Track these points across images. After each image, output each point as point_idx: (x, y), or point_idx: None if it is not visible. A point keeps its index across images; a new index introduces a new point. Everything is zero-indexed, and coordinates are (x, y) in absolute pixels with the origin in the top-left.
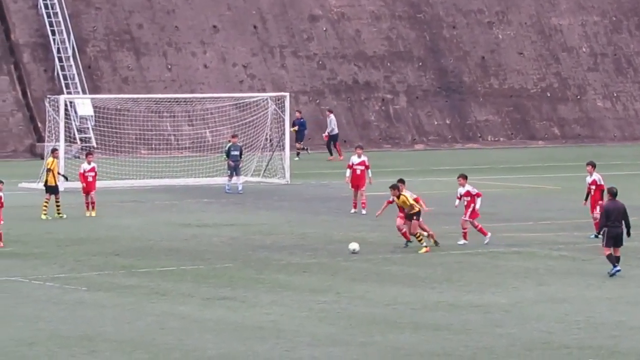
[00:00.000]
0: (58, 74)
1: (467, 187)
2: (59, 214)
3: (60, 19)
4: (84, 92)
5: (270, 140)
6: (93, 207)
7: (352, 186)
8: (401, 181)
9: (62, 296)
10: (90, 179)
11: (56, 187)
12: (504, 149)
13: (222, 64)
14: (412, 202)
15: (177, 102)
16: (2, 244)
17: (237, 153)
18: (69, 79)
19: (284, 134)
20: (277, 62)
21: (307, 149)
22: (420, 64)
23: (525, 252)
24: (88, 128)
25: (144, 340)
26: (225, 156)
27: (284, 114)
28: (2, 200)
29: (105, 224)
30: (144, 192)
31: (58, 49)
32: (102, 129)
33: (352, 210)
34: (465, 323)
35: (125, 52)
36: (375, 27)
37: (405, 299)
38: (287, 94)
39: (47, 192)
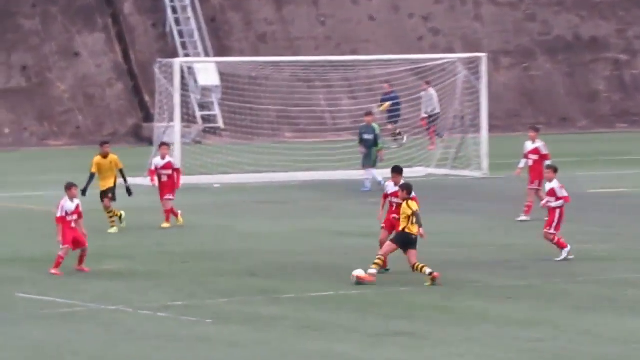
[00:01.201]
0: (171, 29)
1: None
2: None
3: None
4: (206, 54)
5: (462, 118)
6: (168, 218)
7: (531, 180)
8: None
9: (178, 331)
10: (165, 178)
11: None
12: None
13: (393, 14)
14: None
15: (333, 67)
16: (86, 268)
17: (370, 137)
18: (186, 36)
19: (479, 109)
20: (468, 12)
21: (402, 135)
22: None
23: None
24: (212, 103)
25: None
26: (358, 141)
27: (480, 83)
28: (80, 209)
29: (236, 232)
30: (289, 190)
31: None
32: (231, 103)
33: (522, 218)
34: None
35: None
36: None
37: None
38: (484, 55)
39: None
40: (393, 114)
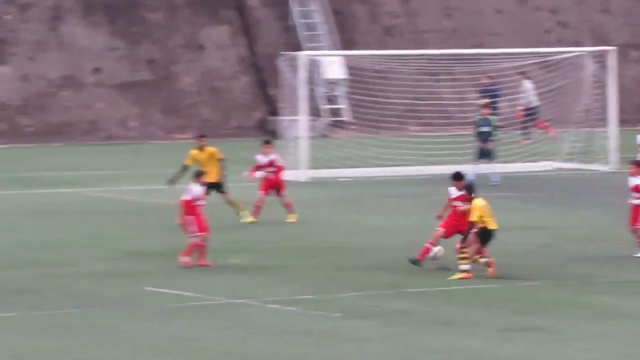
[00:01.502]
0: (297, 22)
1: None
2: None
3: None
4: (332, 47)
5: (589, 112)
6: (257, 212)
7: None
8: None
9: (307, 325)
10: (269, 175)
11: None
12: None
13: (520, 7)
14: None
15: (459, 60)
16: (210, 263)
17: (487, 129)
18: (311, 29)
19: (607, 103)
20: (597, 5)
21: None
22: None
23: None
24: (338, 96)
25: None
26: (474, 134)
27: (608, 76)
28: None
29: (362, 226)
30: (417, 183)
31: None
32: (357, 97)
33: None
34: None
35: None
36: None
37: None
38: (612, 49)
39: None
40: (492, 107)
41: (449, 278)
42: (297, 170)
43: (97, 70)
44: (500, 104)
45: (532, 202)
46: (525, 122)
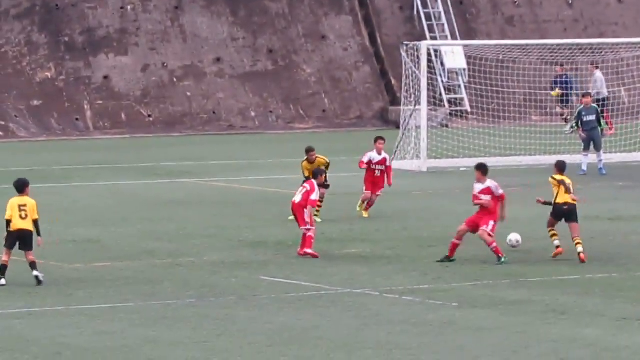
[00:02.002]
0: (419, 12)
1: None
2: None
3: None
4: (453, 37)
5: None
6: (368, 207)
7: None
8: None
9: (424, 315)
10: (378, 173)
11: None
12: None
13: None
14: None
15: (580, 49)
16: (315, 253)
17: (592, 118)
18: (433, 19)
19: None
20: None
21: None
22: None
23: None
24: (459, 86)
25: None
26: (575, 124)
27: None
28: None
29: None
30: (537, 173)
31: None
32: (478, 87)
33: None
34: None
35: None
36: None
37: None
38: None
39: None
40: (564, 97)
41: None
42: (417, 160)
43: (217, 60)
44: (572, 95)
45: None
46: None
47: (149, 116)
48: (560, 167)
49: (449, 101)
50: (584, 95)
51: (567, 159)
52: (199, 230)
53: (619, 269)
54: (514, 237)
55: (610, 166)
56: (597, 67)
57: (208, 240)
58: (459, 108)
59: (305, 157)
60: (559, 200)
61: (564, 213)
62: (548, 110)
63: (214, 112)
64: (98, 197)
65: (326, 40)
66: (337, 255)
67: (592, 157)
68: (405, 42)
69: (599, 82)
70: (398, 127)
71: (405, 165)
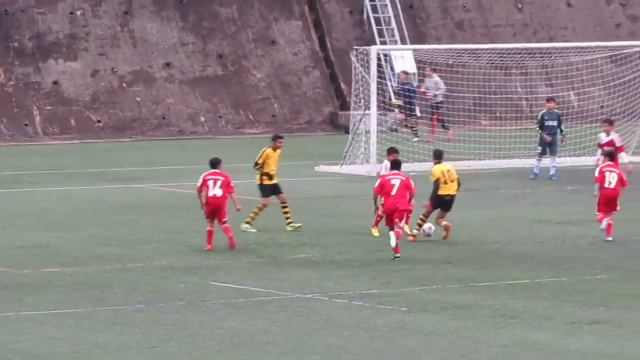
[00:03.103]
0: (369, 16)
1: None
2: (289, 223)
3: None
4: (403, 41)
5: None
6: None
7: None
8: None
9: (374, 319)
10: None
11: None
12: None
13: (591, 1)
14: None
15: (530, 54)
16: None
17: (553, 123)
18: (383, 23)
19: None
20: None
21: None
22: None
23: None
24: (409, 90)
25: None
26: (537, 127)
27: None
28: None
29: (430, 221)
30: (486, 177)
31: None
32: (427, 91)
33: None
34: None
35: None
36: None
37: None
38: None
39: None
40: (407, 106)
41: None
42: (366, 165)
43: (167, 65)
44: (416, 101)
45: None
46: (431, 117)
47: (99, 121)
48: (438, 155)
49: (399, 106)
50: (547, 100)
51: (518, 163)
52: (149, 236)
53: (568, 272)
54: (427, 225)
55: (560, 170)
56: (434, 70)
57: (158, 246)
58: (408, 113)
59: (271, 145)
60: (441, 192)
61: (445, 203)
62: (498, 114)
63: (163, 117)
64: (48, 202)
65: (276, 45)
66: (286, 260)
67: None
68: (355, 47)
69: (437, 85)
70: (347, 132)
71: (355, 170)
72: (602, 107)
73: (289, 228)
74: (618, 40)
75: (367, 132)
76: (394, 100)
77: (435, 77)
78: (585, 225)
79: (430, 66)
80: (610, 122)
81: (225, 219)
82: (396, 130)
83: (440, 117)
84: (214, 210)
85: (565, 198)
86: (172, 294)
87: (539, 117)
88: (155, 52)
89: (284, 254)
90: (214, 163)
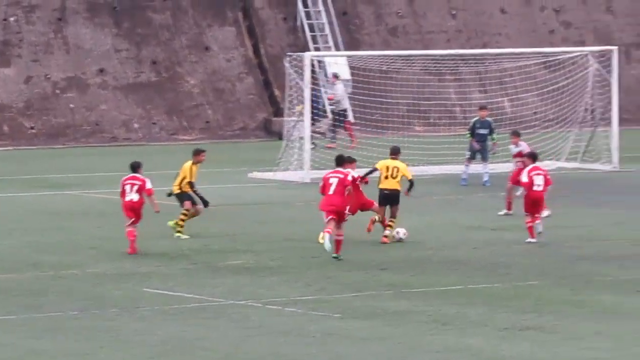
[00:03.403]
0: (302, 23)
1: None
2: (177, 229)
3: None
4: (337, 47)
5: (592, 112)
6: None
7: None
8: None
9: (307, 326)
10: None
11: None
12: None
13: (525, 7)
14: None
15: (464, 60)
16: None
17: (485, 132)
18: (317, 30)
19: (610, 102)
20: (600, 5)
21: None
22: None
23: None
24: (343, 96)
25: None
26: (469, 134)
27: (611, 76)
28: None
29: (366, 226)
30: (419, 183)
31: None
32: (361, 97)
33: None
34: None
35: None
36: None
37: None
38: (615, 48)
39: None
40: (313, 113)
41: None
42: (300, 171)
43: (101, 71)
44: (321, 109)
45: None
46: (334, 125)
47: (32, 128)
48: (394, 151)
49: (333, 112)
50: (480, 108)
51: (451, 169)
52: (83, 242)
53: (501, 278)
54: (402, 230)
55: (493, 176)
56: (337, 78)
57: (91, 252)
58: (343, 119)
59: (193, 160)
60: (381, 185)
61: (385, 197)
62: (432, 120)
63: (97, 124)
64: None
65: (210, 52)
66: (220, 267)
67: (472, 167)
68: (289, 53)
69: (340, 93)
70: (281, 138)
71: (289, 176)
72: (535, 113)
73: (170, 223)
74: (551, 47)
75: (301, 138)
76: (297, 108)
77: (340, 84)
78: (518, 231)
79: (334, 74)
80: (516, 134)
81: (136, 223)
82: (332, 139)
83: (341, 125)
84: (131, 214)
85: (498, 204)
86: (106, 300)
87: (471, 124)
88: (89, 59)
89: (218, 261)
90: (134, 167)
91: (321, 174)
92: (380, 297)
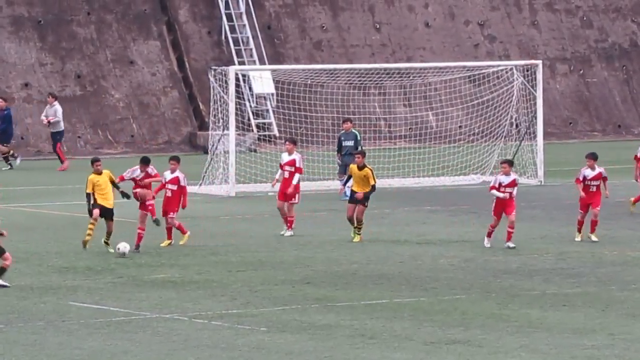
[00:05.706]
0: (227, 36)
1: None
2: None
3: None
4: (262, 61)
5: (517, 126)
6: (170, 235)
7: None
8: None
9: (233, 339)
10: (169, 193)
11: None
12: None
13: (449, 21)
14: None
15: (388, 74)
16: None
17: (350, 144)
18: (241, 43)
19: (535, 116)
20: (524, 19)
21: (14, 156)
22: None
23: None
24: (267, 111)
25: None
26: (337, 149)
27: (536, 90)
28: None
29: (291, 241)
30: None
31: (226, 3)
32: (286, 111)
33: None
34: None
35: (317, 6)
36: None
37: None
38: (539, 62)
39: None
40: (4, 134)
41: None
42: (225, 185)
43: (26, 85)
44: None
45: (459, 215)
46: (54, 145)
47: None
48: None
49: (257, 126)
50: (344, 121)
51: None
52: None
53: (427, 292)
54: (123, 245)
55: (418, 190)
56: (55, 98)
57: (16, 266)
58: (267, 133)
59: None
60: (353, 187)
61: (353, 197)
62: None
63: (22, 138)
64: None
65: (134, 65)
66: (145, 281)
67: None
68: (214, 67)
69: (57, 113)
70: (206, 152)
71: (214, 190)
72: (460, 127)
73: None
74: (476, 61)
75: (226, 152)
76: None
77: (56, 105)
78: (444, 245)
79: (52, 94)
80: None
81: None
82: (255, 151)
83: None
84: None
85: (423, 218)
86: (32, 314)
87: (338, 139)
88: (14, 72)
89: (143, 274)
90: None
91: (247, 187)
92: (306, 311)
